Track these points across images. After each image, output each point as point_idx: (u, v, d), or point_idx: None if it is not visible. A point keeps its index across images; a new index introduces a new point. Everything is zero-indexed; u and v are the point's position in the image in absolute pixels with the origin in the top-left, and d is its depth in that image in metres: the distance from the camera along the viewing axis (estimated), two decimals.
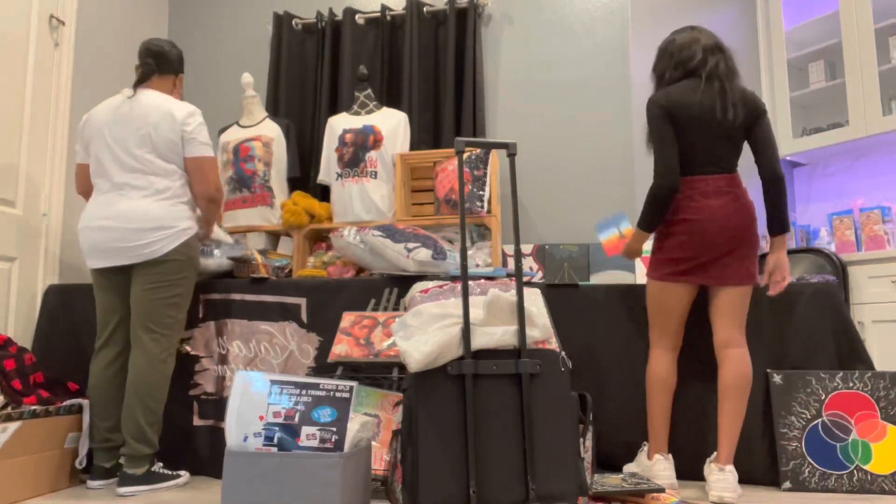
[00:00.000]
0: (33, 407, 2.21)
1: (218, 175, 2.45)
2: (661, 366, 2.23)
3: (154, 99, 2.39)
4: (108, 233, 2.30)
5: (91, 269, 2.40)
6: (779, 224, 2.15)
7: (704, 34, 2.24)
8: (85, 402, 2.40)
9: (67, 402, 2.36)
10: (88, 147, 2.43)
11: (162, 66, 2.50)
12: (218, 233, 2.73)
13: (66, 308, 2.72)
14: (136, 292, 2.33)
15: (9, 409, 2.14)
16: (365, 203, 3.06)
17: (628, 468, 2.33)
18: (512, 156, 1.79)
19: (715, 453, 2.14)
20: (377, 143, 3.10)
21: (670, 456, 2.20)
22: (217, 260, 2.68)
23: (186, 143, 2.38)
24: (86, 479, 2.47)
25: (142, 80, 2.47)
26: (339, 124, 3.20)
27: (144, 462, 2.26)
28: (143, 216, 2.29)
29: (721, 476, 2.04)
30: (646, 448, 2.27)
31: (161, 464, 2.38)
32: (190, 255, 2.38)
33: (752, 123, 2.16)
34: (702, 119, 2.13)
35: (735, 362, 2.11)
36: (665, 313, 2.22)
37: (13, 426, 2.10)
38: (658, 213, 2.16)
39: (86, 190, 2.52)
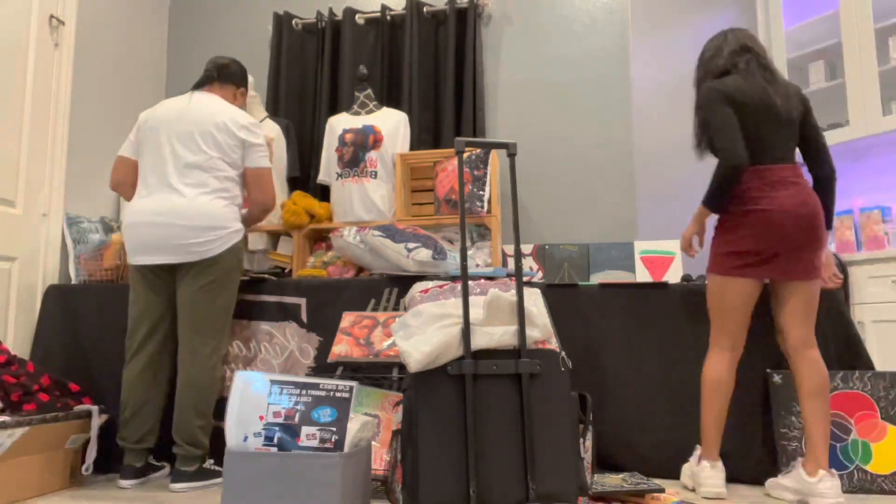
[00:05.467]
0: (42, 415, 2.21)
1: (274, 187, 2.50)
2: (717, 367, 2.11)
3: (216, 101, 2.44)
4: (162, 229, 2.27)
5: (134, 265, 2.37)
6: (830, 221, 2.14)
7: (731, 38, 2.21)
8: (94, 409, 2.39)
9: (77, 409, 2.35)
10: (142, 144, 2.42)
11: (222, 76, 2.56)
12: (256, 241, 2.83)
13: (66, 308, 2.72)
14: (187, 293, 2.31)
15: (18, 416, 2.14)
16: (365, 203, 3.06)
17: (684, 469, 2.24)
18: (512, 156, 1.79)
19: (800, 459, 2.09)
20: (377, 143, 3.10)
21: (720, 463, 2.10)
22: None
23: (249, 151, 2.42)
24: (84, 478, 2.48)
25: (200, 84, 2.52)
26: (339, 124, 3.20)
27: (196, 460, 2.28)
28: (201, 214, 2.28)
29: (822, 486, 1.94)
30: (697, 452, 2.19)
31: (212, 460, 2.40)
32: (238, 258, 2.39)
33: (804, 117, 2.15)
34: (761, 107, 2.08)
35: (817, 363, 2.04)
36: (727, 310, 2.12)
37: (20, 431, 2.10)
38: (726, 193, 2.08)
39: (118, 182, 2.48)
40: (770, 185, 2.05)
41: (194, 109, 2.39)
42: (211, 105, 2.41)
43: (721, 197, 2.08)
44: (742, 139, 2.05)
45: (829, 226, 2.14)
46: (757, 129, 2.09)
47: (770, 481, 2.14)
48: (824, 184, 2.11)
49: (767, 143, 2.08)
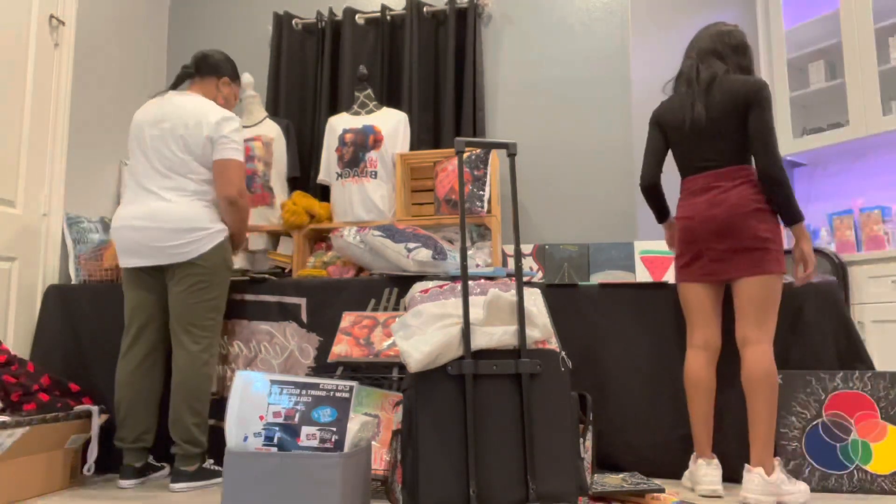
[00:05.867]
0: (42, 415, 2.21)
1: (242, 180, 2.39)
2: (693, 365, 2.20)
3: (190, 100, 2.40)
4: (143, 233, 2.30)
5: (123, 267, 2.40)
6: (785, 217, 2.09)
7: (700, 40, 2.28)
8: (94, 409, 2.39)
9: (77, 409, 2.35)
10: (130, 148, 2.44)
11: (201, 69, 2.51)
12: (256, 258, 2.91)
13: (66, 308, 2.72)
14: (175, 294, 2.33)
15: (18, 416, 2.14)
16: (365, 203, 3.06)
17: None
18: (512, 156, 1.79)
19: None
20: (377, 142, 3.10)
21: (715, 460, 2.14)
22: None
23: (215, 145, 2.36)
24: (84, 478, 2.48)
25: (176, 83, 2.50)
26: (339, 124, 3.20)
27: (196, 459, 2.28)
28: (179, 217, 2.29)
29: (747, 477, 2.00)
30: (695, 452, 2.21)
31: (212, 460, 2.40)
32: (224, 257, 2.38)
33: (741, 114, 2.13)
34: (679, 126, 2.25)
35: (746, 362, 2.06)
36: (687, 311, 2.26)
37: (20, 431, 2.10)
38: (651, 206, 2.38)
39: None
40: (691, 194, 2.23)
41: (167, 112, 2.38)
42: (183, 105, 2.38)
43: (651, 209, 2.39)
44: (654, 161, 2.31)
45: (789, 221, 2.09)
46: (681, 146, 2.26)
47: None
48: (762, 181, 2.08)
49: (688, 157, 2.25)
